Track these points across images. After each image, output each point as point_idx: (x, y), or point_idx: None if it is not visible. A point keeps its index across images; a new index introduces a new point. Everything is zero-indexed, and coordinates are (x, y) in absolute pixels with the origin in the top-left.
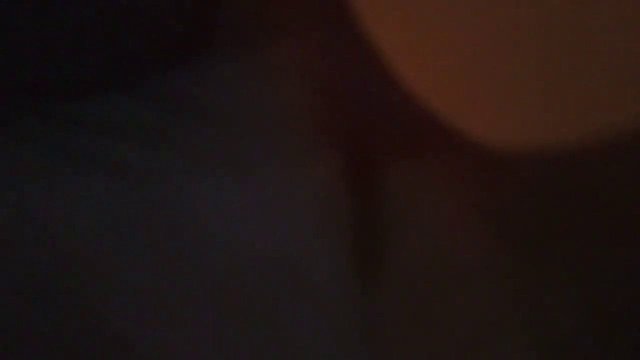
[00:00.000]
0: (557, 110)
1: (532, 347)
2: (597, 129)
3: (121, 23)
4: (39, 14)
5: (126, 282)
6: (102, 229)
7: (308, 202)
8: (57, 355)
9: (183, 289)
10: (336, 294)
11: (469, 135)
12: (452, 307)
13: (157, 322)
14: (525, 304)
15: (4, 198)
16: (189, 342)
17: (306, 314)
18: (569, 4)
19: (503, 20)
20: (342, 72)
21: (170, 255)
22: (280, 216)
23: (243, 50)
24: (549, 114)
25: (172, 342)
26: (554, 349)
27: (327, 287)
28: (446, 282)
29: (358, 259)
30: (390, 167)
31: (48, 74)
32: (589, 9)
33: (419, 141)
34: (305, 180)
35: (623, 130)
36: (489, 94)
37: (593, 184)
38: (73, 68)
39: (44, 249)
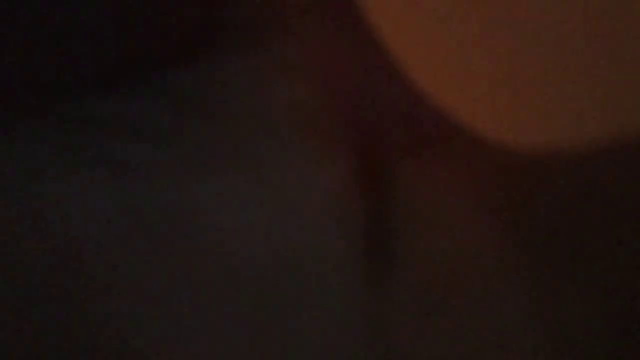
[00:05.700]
0: (572, 110)
1: (554, 349)
2: (613, 128)
3: (126, 20)
4: (43, 10)
5: (132, 282)
6: (108, 229)
7: (319, 202)
8: (58, 355)
9: (189, 289)
10: (347, 294)
11: (481, 134)
12: (467, 307)
13: (162, 323)
14: (544, 304)
15: (8, 196)
16: (195, 342)
17: (316, 316)
18: (586, 3)
19: (518, 20)
20: (352, 70)
21: (177, 255)
22: (290, 216)
23: (251, 48)
24: (564, 113)
25: (178, 342)
26: (576, 353)
27: (338, 288)
28: (460, 281)
29: (370, 259)
30: (402, 166)
31: (52, 71)
32: (608, 7)
33: (431, 140)
34: (316, 180)
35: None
36: (501, 93)
37: (607, 184)
38: (77, 66)
39: (47, 248)
